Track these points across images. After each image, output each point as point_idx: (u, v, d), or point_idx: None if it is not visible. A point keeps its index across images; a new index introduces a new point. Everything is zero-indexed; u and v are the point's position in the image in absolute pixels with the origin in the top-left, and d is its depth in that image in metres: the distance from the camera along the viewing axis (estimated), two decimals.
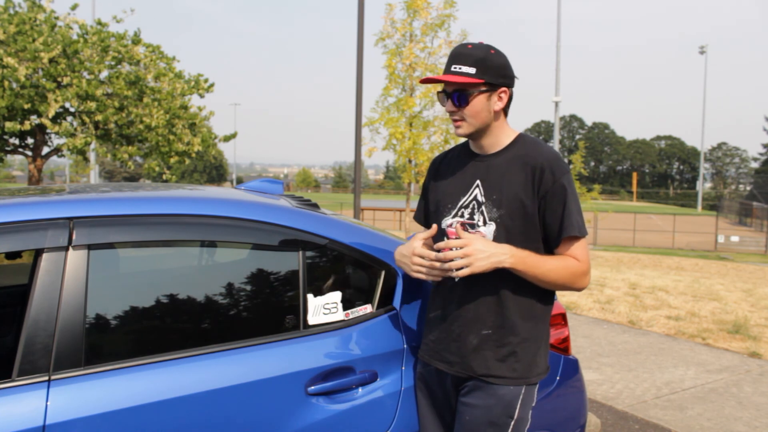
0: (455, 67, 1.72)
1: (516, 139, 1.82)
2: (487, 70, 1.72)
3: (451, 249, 1.68)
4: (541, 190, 1.72)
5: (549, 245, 1.77)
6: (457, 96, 1.74)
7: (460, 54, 1.73)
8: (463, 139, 1.90)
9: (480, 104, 1.74)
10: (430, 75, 2.13)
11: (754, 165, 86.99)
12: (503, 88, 1.77)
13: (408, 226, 14.47)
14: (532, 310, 1.77)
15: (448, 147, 9.02)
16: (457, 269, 1.65)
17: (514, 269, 1.68)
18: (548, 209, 1.72)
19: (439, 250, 1.80)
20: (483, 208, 1.76)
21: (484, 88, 1.73)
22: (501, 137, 1.81)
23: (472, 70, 1.71)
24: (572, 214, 1.72)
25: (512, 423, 1.75)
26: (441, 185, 1.90)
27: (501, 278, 1.72)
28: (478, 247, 1.64)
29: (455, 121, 1.78)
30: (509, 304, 1.74)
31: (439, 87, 1.88)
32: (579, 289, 1.78)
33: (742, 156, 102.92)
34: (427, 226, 1.98)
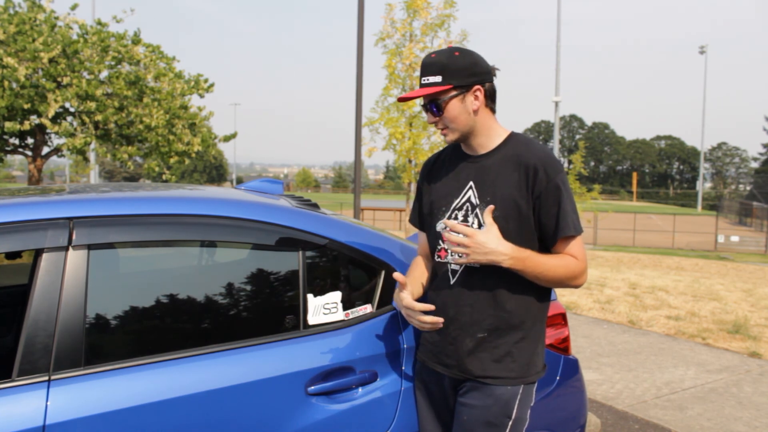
0: (424, 79, 1.74)
1: (507, 138, 1.81)
2: (452, 74, 1.71)
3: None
4: (536, 190, 1.71)
5: (545, 244, 1.76)
6: (432, 106, 1.75)
7: (426, 65, 1.75)
8: None
9: (455, 109, 1.74)
10: (423, 84, 2.06)
11: (754, 165, 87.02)
12: (477, 87, 1.75)
13: (408, 227, 14.48)
14: (529, 310, 1.77)
15: None
16: (458, 254, 1.68)
17: (512, 269, 1.68)
18: (543, 209, 1.71)
19: (436, 250, 1.82)
20: (477, 210, 1.76)
21: (454, 93, 1.72)
22: (491, 137, 1.80)
23: (438, 78, 1.72)
24: (567, 213, 1.71)
25: (510, 423, 1.74)
26: (434, 187, 1.90)
27: (497, 280, 1.72)
28: (479, 241, 1.64)
29: (441, 130, 1.79)
30: (505, 306, 1.74)
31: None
32: (577, 287, 1.77)
33: (742, 156, 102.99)
34: (422, 229, 1.98)
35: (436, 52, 1.75)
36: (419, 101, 13.34)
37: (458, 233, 1.67)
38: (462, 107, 1.74)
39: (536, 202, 1.71)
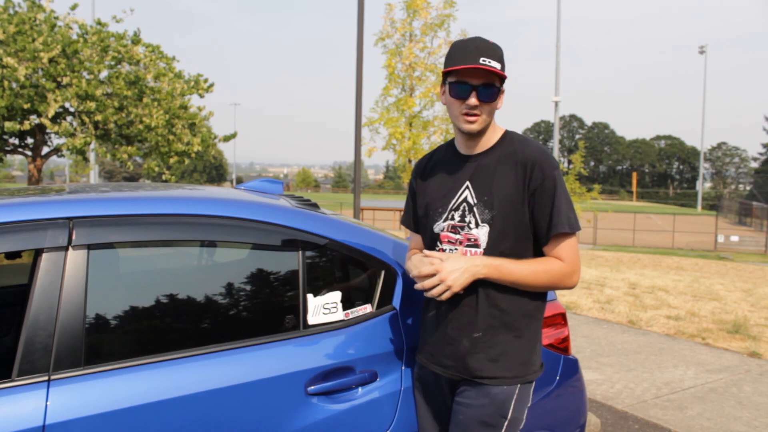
0: (485, 60, 1.66)
1: (503, 137, 1.81)
2: (504, 68, 1.72)
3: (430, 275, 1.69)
4: (531, 186, 1.70)
5: (538, 243, 1.76)
6: (485, 91, 1.69)
7: (486, 47, 1.69)
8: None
9: (498, 101, 1.75)
10: (482, 63, 1.76)
11: (754, 165, 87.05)
12: (503, 88, 1.78)
13: None
14: (524, 309, 1.76)
15: None
16: (440, 294, 1.67)
17: (489, 278, 1.68)
18: (537, 206, 1.71)
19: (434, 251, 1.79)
20: (475, 209, 1.75)
21: (501, 85, 1.74)
22: (491, 136, 1.80)
23: (499, 66, 1.69)
24: (561, 210, 1.70)
25: (506, 423, 1.74)
26: (429, 188, 1.88)
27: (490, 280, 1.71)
28: (450, 268, 1.65)
29: (473, 116, 1.71)
30: (501, 305, 1.73)
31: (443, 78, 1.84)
32: (566, 288, 1.77)
33: (741, 156, 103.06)
34: (416, 230, 1.98)
35: (488, 40, 1.73)
36: (418, 100, 13.37)
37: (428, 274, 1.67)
38: (498, 102, 1.76)
39: (531, 199, 1.71)
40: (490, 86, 1.69)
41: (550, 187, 1.70)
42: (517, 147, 1.76)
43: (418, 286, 1.71)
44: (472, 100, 1.70)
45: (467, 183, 1.78)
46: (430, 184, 1.89)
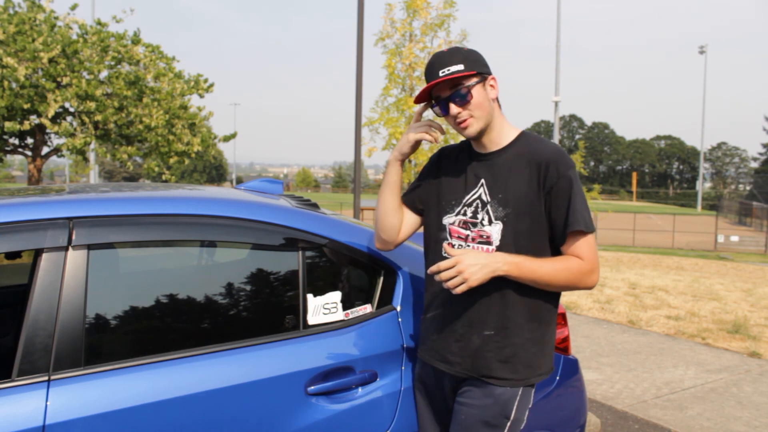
0: (443, 71, 1.71)
1: (518, 136, 1.81)
2: (473, 63, 1.73)
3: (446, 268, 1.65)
4: (547, 185, 1.70)
5: (555, 243, 1.75)
6: (455, 97, 1.72)
7: (441, 59, 1.73)
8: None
9: (480, 95, 1.74)
10: (440, 76, 1.80)
11: (754, 165, 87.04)
12: (491, 76, 1.78)
13: None
14: (537, 311, 1.75)
15: None
16: (455, 286, 1.62)
17: (509, 275, 1.66)
18: (553, 205, 1.70)
19: (443, 242, 1.79)
20: (488, 207, 1.75)
21: (476, 79, 1.73)
22: (503, 134, 1.80)
23: (460, 66, 1.71)
24: (577, 209, 1.69)
25: (508, 424, 1.74)
26: (443, 180, 1.89)
27: (506, 278, 1.70)
28: (469, 262, 1.62)
29: (463, 122, 1.74)
30: (514, 305, 1.73)
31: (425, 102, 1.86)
32: (586, 288, 1.76)
33: (741, 156, 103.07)
34: (414, 210, 1.96)
35: (446, 49, 1.76)
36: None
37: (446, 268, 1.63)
38: (485, 94, 1.75)
39: (547, 198, 1.70)
40: (459, 88, 1.72)
41: (566, 187, 1.69)
42: (533, 146, 1.76)
43: (436, 277, 1.66)
44: (452, 110, 1.74)
45: (482, 181, 1.79)
46: (445, 176, 1.89)
